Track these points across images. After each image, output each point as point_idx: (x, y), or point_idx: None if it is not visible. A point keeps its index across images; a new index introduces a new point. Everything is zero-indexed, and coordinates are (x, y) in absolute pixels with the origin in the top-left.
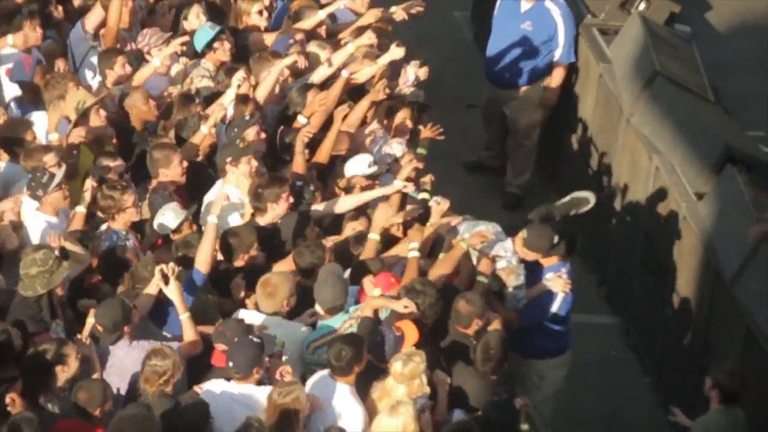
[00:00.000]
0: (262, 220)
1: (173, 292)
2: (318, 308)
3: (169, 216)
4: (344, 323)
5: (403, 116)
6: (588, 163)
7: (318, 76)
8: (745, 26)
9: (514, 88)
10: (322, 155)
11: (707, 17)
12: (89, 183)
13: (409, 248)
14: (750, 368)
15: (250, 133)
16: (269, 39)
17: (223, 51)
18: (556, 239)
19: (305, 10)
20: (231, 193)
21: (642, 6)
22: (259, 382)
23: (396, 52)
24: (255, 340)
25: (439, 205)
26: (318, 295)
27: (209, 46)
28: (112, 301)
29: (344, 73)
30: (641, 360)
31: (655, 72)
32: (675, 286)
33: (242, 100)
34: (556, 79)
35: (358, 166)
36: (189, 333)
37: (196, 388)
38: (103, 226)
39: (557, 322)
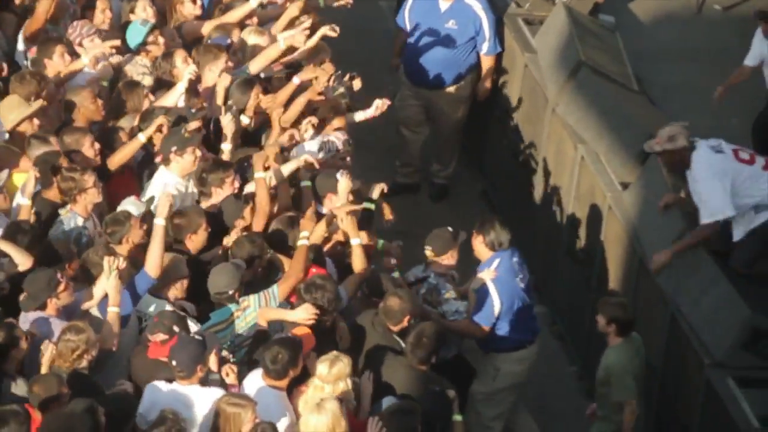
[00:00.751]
0: (207, 205)
1: (110, 285)
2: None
3: (130, 209)
4: (233, 314)
5: (338, 124)
6: (514, 153)
7: (255, 67)
8: (669, 16)
9: (441, 88)
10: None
11: (631, 7)
12: (32, 173)
13: (300, 236)
14: (674, 356)
15: (194, 124)
16: (204, 28)
17: (158, 47)
18: (452, 231)
19: (235, 2)
20: (171, 181)
21: None
22: (203, 383)
23: (327, 31)
24: (197, 337)
25: (343, 179)
26: (210, 280)
27: (143, 43)
28: (42, 271)
29: (296, 80)
30: (567, 349)
31: (579, 62)
32: (600, 275)
33: (193, 93)
34: (487, 72)
35: (309, 148)
36: (109, 326)
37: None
38: (64, 209)
39: (506, 314)
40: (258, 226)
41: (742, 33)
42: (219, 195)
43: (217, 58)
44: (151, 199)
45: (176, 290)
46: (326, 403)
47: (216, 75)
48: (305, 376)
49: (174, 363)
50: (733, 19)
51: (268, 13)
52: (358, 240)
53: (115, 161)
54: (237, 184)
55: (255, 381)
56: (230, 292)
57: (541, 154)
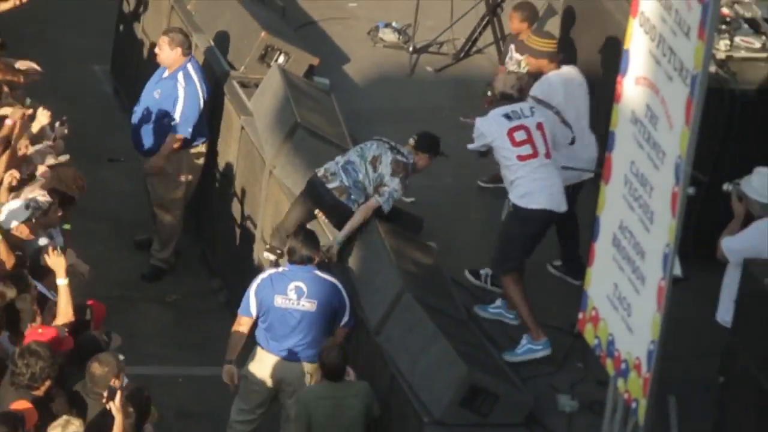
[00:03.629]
0: None
1: None
2: None
3: None
4: None
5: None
6: (233, 216)
7: None
8: (383, 78)
9: (149, 156)
10: None
11: (346, 69)
12: None
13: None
14: (396, 415)
15: None
16: None
17: None
18: None
19: None
20: None
21: (281, 59)
22: None
23: (43, 116)
24: None
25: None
26: None
27: None
28: None
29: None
30: None
31: (295, 123)
32: None
33: None
34: (164, 146)
35: (17, 215)
36: None
37: None
38: None
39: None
40: None
41: (453, 94)
42: None
43: None
44: None
45: None
46: None
47: None
48: None
49: None
50: (445, 80)
51: None
52: (65, 281)
53: None
54: None
55: None
56: None
57: (260, 215)
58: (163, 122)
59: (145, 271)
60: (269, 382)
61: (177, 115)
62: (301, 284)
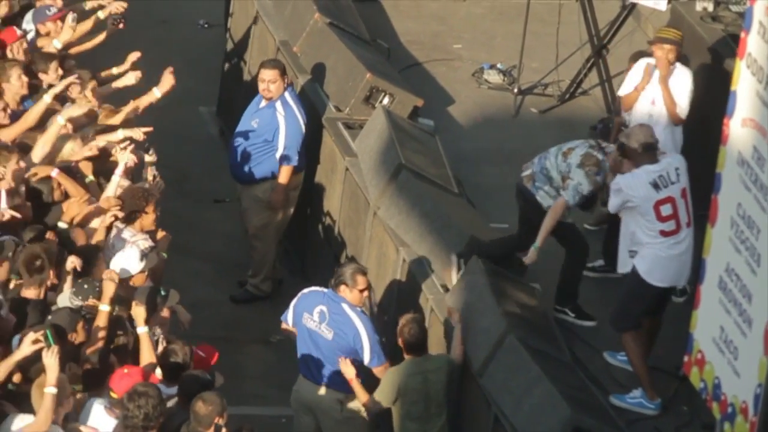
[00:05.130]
0: None
1: None
2: None
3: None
4: None
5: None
6: (337, 257)
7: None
8: (487, 120)
9: (248, 184)
10: None
11: (450, 111)
12: None
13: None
14: None
15: None
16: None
17: None
18: None
19: None
20: None
21: (386, 100)
22: None
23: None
24: None
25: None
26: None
27: None
28: None
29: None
30: None
31: (400, 165)
32: None
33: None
34: (279, 180)
35: (130, 265)
36: None
37: None
38: None
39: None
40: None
41: (558, 135)
42: None
43: (7, 159)
44: None
45: None
46: None
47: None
48: None
49: None
50: (550, 121)
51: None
52: (144, 329)
53: None
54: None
55: None
56: None
57: (363, 256)
58: (262, 150)
59: (236, 294)
60: (305, 407)
61: (280, 145)
62: (325, 309)
